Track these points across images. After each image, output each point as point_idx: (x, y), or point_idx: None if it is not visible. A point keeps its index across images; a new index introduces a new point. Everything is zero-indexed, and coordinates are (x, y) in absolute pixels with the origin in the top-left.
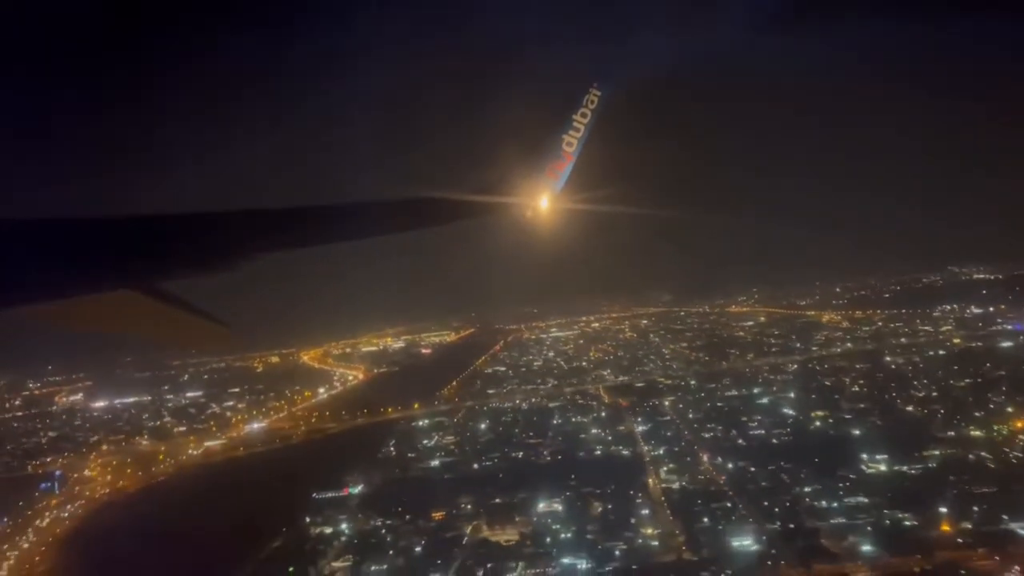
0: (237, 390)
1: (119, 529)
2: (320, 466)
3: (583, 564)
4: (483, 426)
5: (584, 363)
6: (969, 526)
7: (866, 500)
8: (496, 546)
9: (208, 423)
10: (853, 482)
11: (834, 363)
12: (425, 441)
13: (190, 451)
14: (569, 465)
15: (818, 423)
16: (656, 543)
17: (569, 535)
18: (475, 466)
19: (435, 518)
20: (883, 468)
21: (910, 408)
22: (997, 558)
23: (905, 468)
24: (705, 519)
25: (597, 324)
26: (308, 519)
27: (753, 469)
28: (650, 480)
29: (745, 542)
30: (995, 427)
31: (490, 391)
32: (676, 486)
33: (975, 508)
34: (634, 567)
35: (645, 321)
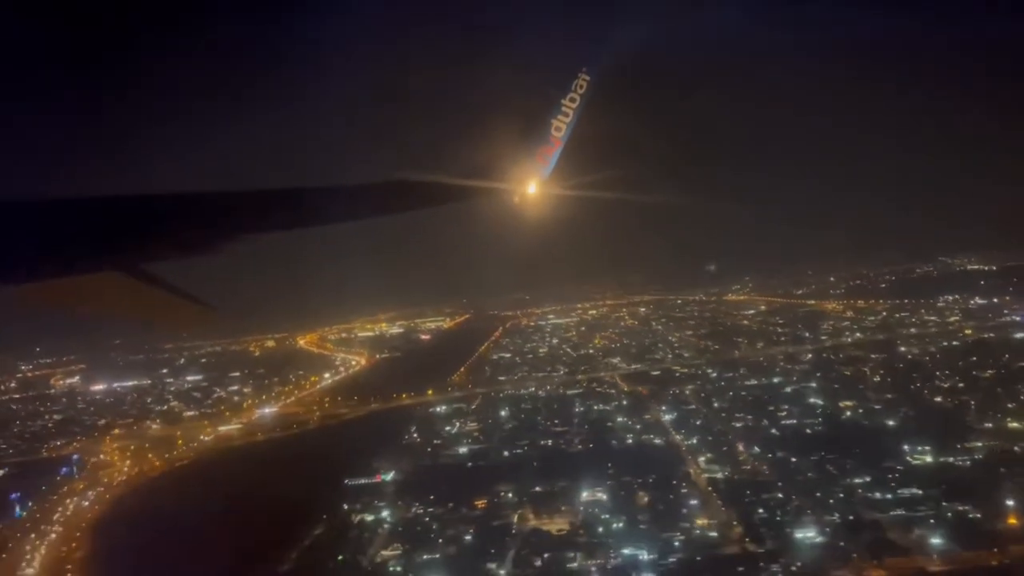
0: (238, 374)
1: (152, 515)
2: (344, 452)
3: (644, 555)
4: (503, 413)
5: (591, 351)
6: None
7: (920, 492)
8: (548, 535)
9: (217, 407)
10: (902, 474)
11: (848, 353)
12: (447, 428)
13: (205, 436)
14: (602, 454)
15: (848, 413)
16: (714, 534)
17: (621, 525)
18: (505, 454)
19: (478, 506)
20: (928, 460)
21: (939, 399)
22: None
23: (951, 460)
24: (760, 510)
25: (594, 311)
26: (346, 506)
27: (794, 460)
28: (691, 470)
29: (808, 534)
30: None
31: (501, 378)
32: (720, 476)
33: None
34: (698, 558)
35: (643, 309)
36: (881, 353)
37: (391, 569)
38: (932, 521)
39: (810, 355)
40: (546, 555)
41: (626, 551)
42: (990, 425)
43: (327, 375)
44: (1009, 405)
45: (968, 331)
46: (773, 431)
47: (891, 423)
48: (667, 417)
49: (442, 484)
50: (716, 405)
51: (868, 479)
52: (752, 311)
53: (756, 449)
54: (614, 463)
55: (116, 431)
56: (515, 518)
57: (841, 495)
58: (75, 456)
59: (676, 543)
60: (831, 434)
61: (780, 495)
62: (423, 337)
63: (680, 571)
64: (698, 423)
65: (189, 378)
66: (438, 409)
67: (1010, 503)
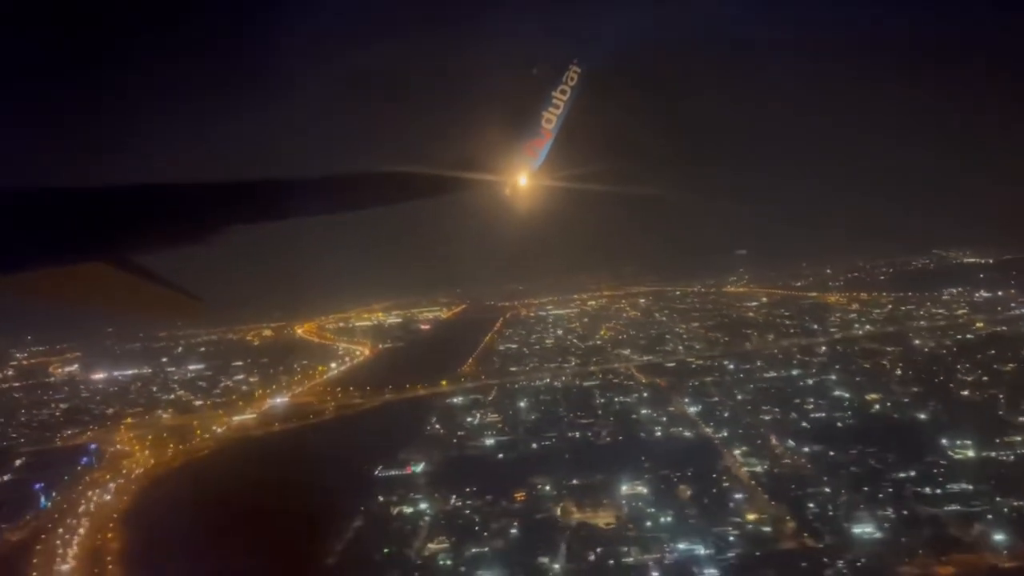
0: (241, 363)
1: (183, 506)
2: (367, 443)
3: (701, 550)
4: (523, 405)
5: (598, 342)
6: None
7: (971, 487)
8: (597, 529)
9: (227, 397)
10: (947, 468)
11: (862, 345)
12: (468, 419)
13: (220, 426)
14: (633, 446)
15: (877, 407)
16: (768, 529)
17: (669, 519)
18: (534, 446)
19: (517, 499)
20: (970, 454)
21: (966, 393)
22: None
23: (994, 455)
24: (810, 505)
25: (594, 302)
26: (381, 498)
27: (832, 453)
28: (729, 463)
29: (866, 529)
30: None
31: (512, 369)
32: (760, 470)
33: None
34: (757, 553)
35: (642, 300)
36: (896, 346)
37: (441, 563)
38: (990, 517)
39: (824, 348)
40: (599, 549)
41: (681, 546)
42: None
43: (333, 365)
44: None
45: (980, 324)
46: (804, 424)
47: (922, 417)
48: (692, 409)
49: (475, 476)
50: (740, 397)
51: (913, 473)
52: (755, 303)
53: (790, 442)
54: (647, 456)
55: (128, 420)
56: (558, 511)
57: (890, 490)
58: (92, 446)
59: (731, 538)
60: (863, 428)
61: (827, 489)
62: (423, 327)
63: (742, 567)
64: (725, 415)
65: (191, 367)
66: (455, 400)
67: None
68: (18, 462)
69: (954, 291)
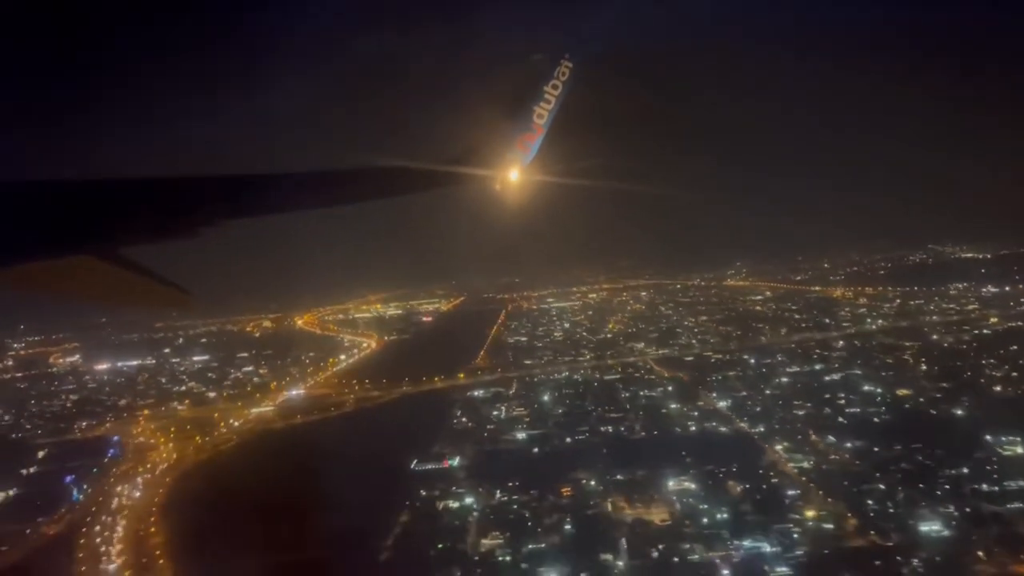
0: (246, 355)
1: (220, 499)
2: (396, 436)
3: (766, 547)
4: (546, 398)
5: (609, 335)
6: None
7: None
8: (653, 526)
9: (241, 389)
10: (1000, 465)
11: (879, 340)
12: (494, 413)
13: (239, 418)
14: (670, 441)
15: (909, 402)
16: (830, 526)
17: (725, 516)
18: (568, 440)
19: (563, 494)
20: (1020, 451)
21: (998, 388)
22: None
23: None
24: (869, 502)
25: (594, 296)
26: (423, 492)
27: (877, 449)
28: (773, 459)
29: (933, 527)
30: None
31: (527, 362)
32: (807, 465)
33: None
34: (825, 552)
35: (643, 293)
36: (914, 341)
37: (500, 558)
38: None
39: (841, 342)
40: (660, 546)
41: (746, 543)
42: None
43: (342, 357)
44: None
45: (994, 320)
46: (840, 420)
47: (960, 412)
48: (721, 404)
49: (514, 471)
50: (767, 392)
51: (966, 471)
52: (759, 297)
53: (830, 438)
54: (686, 451)
55: (145, 412)
56: (608, 507)
57: (947, 487)
58: (115, 438)
59: (795, 535)
60: (902, 423)
61: (882, 486)
62: (425, 319)
63: (813, 565)
64: (757, 410)
65: (196, 358)
66: (475, 393)
67: None
68: (41, 454)
69: (960, 286)
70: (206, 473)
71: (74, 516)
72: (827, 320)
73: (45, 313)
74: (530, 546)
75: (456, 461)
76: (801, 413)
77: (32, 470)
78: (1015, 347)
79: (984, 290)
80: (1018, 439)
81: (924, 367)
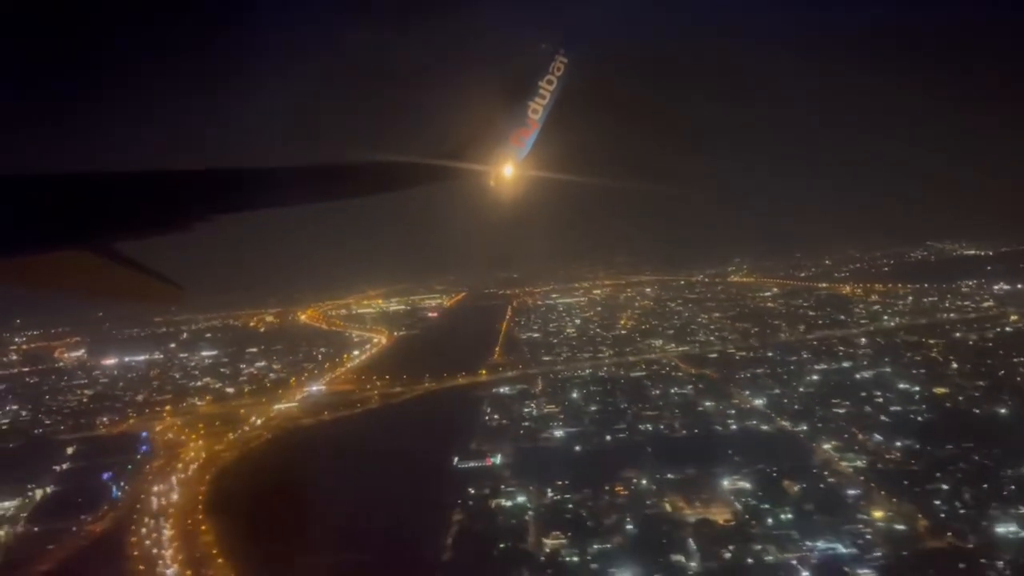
0: (255, 350)
1: (264, 496)
2: (429, 433)
3: (840, 549)
4: (575, 395)
5: (623, 331)
6: None
7: None
8: (717, 526)
9: (256, 384)
10: None
11: (901, 337)
12: (525, 410)
13: (263, 415)
14: (713, 440)
15: (949, 401)
16: (902, 527)
17: (789, 516)
18: (608, 438)
19: (618, 492)
20: None
21: None
22: None
23: None
24: (936, 502)
25: (598, 291)
26: (472, 490)
27: (929, 448)
28: (824, 458)
29: (1010, 528)
30: None
31: (546, 358)
32: (861, 464)
33: None
34: (904, 553)
35: (648, 289)
36: (937, 338)
37: (567, 559)
38: None
39: (863, 339)
40: (731, 547)
41: (820, 544)
42: None
43: (355, 352)
44: None
45: (1014, 317)
46: (883, 418)
47: (1003, 411)
48: (757, 402)
49: (559, 469)
50: (801, 390)
51: None
52: (767, 293)
53: (877, 436)
54: (732, 450)
55: (167, 408)
56: (666, 506)
57: (1012, 487)
58: (144, 434)
59: (867, 536)
60: (947, 422)
61: (945, 486)
62: (430, 314)
63: (894, 567)
64: (795, 408)
65: (204, 353)
66: (502, 390)
67: None
68: (69, 450)
69: (970, 283)
70: (245, 471)
71: (118, 513)
72: (843, 317)
73: (40, 307)
74: (596, 546)
75: (498, 459)
76: (842, 411)
77: (65, 466)
78: None
79: (996, 287)
80: None
81: (955, 365)
